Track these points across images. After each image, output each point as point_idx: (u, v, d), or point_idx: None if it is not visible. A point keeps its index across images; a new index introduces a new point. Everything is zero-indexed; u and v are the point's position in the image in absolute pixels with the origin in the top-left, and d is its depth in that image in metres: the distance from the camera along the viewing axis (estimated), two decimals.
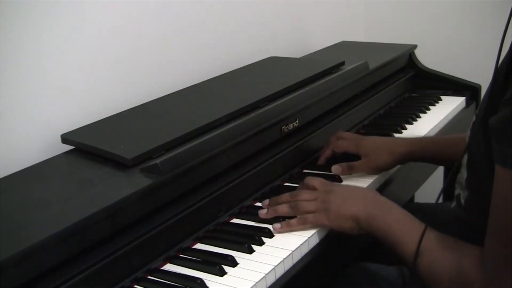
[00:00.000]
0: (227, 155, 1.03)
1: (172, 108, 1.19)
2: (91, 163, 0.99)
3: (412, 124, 1.47)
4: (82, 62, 1.17)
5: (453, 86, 1.69)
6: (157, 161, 0.91)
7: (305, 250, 0.94)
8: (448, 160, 1.16)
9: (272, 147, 1.14)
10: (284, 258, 0.89)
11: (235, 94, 1.26)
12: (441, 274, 0.83)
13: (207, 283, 0.84)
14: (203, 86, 1.32)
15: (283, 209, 1.00)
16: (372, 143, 1.19)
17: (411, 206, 1.39)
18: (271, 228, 0.97)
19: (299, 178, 1.18)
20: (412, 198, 1.80)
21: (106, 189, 0.89)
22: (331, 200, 0.97)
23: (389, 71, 1.63)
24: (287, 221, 0.97)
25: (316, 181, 1.02)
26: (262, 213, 1.01)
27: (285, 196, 1.02)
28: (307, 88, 1.26)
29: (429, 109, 1.57)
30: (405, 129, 1.43)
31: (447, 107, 1.58)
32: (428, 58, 1.77)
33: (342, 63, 1.44)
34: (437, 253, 0.85)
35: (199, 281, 0.84)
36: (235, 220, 1.03)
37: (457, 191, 0.94)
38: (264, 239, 0.95)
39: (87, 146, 1.02)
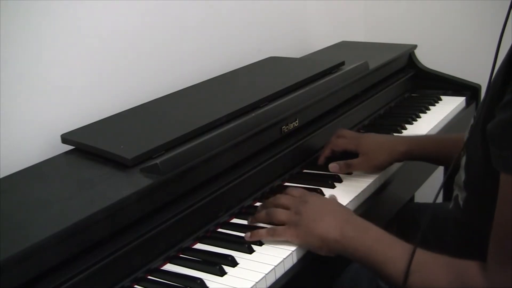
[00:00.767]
0: (227, 155, 1.03)
1: (172, 108, 1.19)
2: (91, 163, 0.99)
3: (412, 124, 1.47)
4: (82, 62, 1.17)
5: (453, 86, 1.69)
6: (157, 161, 0.91)
7: (305, 250, 0.93)
8: (448, 160, 1.15)
9: (272, 147, 1.14)
10: (284, 258, 0.89)
11: (235, 94, 1.26)
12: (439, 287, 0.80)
13: (207, 283, 0.84)
14: (203, 86, 1.32)
15: (260, 215, 0.98)
16: (372, 141, 1.18)
17: (411, 206, 1.39)
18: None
19: (299, 178, 1.18)
20: (412, 198, 1.80)
21: (106, 189, 0.89)
22: (303, 213, 0.92)
23: (389, 71, 1.63)
24: (257, 230, 0.94)
25: (296, 190, 1.00)
26: (248, 221, 0.99)
27: (269, 200, 1.01)
28: (307, 88, 1.26)
29: (429, 109, 1.57)
30: (405, 129, 1.43)
31: (447, 107, 1.58)
32: (428, 58, 1.77)
33: (342, 63, 1.44)
34: (430, 269, 0.81)
35: (199, 281, 0.84)
36: (235, 220, 1.03)
37: (455, 192, 0.93)
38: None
39: (87, 146, 1.02)
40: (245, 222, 1.02)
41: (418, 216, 1.34)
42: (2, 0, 1.00)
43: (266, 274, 0.86)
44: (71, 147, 1.05)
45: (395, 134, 1.38)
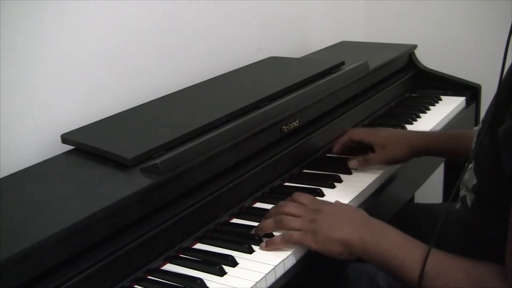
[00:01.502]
0: (227, 155, 1.03)
1: (172, 108, 1.19)
2: (91, 163, 0.99)
3: (412, 124, 1.46)
4: (82, 62, 1.17)
5: (453, 86, 1.69)
6: (157, 161, 0.91)
7: (305, 250, 0.93)
8: (464, 155, 1.13)
9: (272, 147, 1.14)
10: (284, 258, 0.89)
11: (235, 94, 1.26)
12: None
13: (207, 283, 0.84)
14: (203, 86, 1.32)
15: (268, 224, 0.94)
16: (389, 135, 1.18)
17: (411, 206, 1.39)
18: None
19: (299, 178, 1.18)
20: (412, 198, 1.80)
21: (106, 189, 0.89)
22: (319, 221, 0.90)
23: (389, 71, 1.63)
24: (272, 239, 0.92)
25: (303, 197, 0.98)
26: (252, 232, 0.96)
27: (273, 208, 0.98)
28: (307, 88, 1.26)
29: (429, 109, 1.57)
30: (405, 129, 1.43)
31: (447, 107, 1.58)
32: (428, 58, 1.77)
33: (342, 63, 1.44)
34: (451, 274, 0.79)
35: (199, 281, 0.84)
36: (235, 220, 1.03)
37: (462, 193, 0.93)
38: (265, 239, 0.94)
39: (87, 146, 1.02)
40: (245, 222, 1.02)
41: (418, 216, 1.34)
42: (2, 0, 1.00)
43: (266, 274, 0.86)
44: (71, 147, 1.05)
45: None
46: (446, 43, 2.00)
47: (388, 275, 0.87)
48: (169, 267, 0.91)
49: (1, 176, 0.96)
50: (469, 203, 0.88)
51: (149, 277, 0.88)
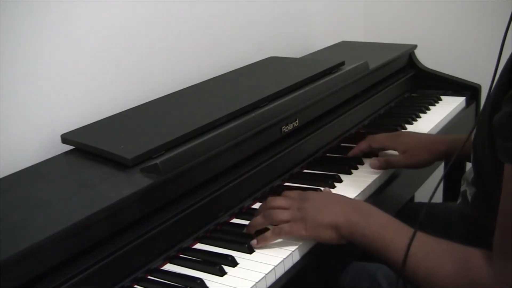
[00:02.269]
0: (227, 155, 1.03)
1: (172, 108, 1.19)
2: (91, 163, 0.99)
3: (412, 124, 1.47)
4: (82, 62, 1.17)
5: (453, 86, 1.69)
6: (157, 161, 0.91)
7: (305, 250, 0.94)
8: None
9: (272, 147, 1.14)
10: (284, 258, 0.89)
11: (235, 94, 1.26)
12: (444, 277, 0.79)
13: (207, 283, 0.84)
14: (203, 86, 1.32)
15: (258, 220, 0.94)
16: (411, 140, 1.18)
17: (411, 206, 1.39)
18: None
19: (299, 178, 1.18)
20: (412, 198, 1.80)
21: (106, 189, 0.89)
22: (307, 208, 0.91)
23: (389, 71, 1.63)
24: (262, 235, 0.92)
25: (292, 192, 0.99)
26: (245, 231, 0.96)
27: (261, 205, 0.98)
28: (307, 88, 1.26)
29: (429, 109, 1.57)
30: (405, 129, 1.43)
31: (447, 107, 1.58)
32: (428, 58, 1.77)
33: (342, 63, 1.44)
34: (437, 256, 0.80)
35: (199, 281, 0.84)
36: (235, 220, 1.03)
37: (463, 188, 0.93)
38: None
39: (87, 146, 1.02)
40: (245, 222, 1.01)
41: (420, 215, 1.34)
42: (1, 0, 1.00)
43: (266, 274, 0.86)
44: (71, 147, 1.05)
45: None
46: (446, 43, 2.00)
47: (374, 256, 0.87)
48: (169, 267, 0.91)
49: (1, 176, 0.96)
50: (469, 197, 0.89)
51: (149, 277, 0.88)
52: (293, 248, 0.92)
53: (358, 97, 1.46)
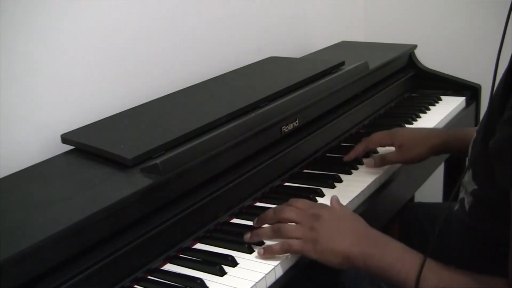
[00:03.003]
0: (227, 155, 1.03)
1: (172, 108, 1.19)
2: (91, 163, 0.99)
3: (412, 124, 1.47)
4: (82, 62, 1.17)
5: (453, 86, 1.69)
6: (157, 161, 0.91)
7: None
8: None
9: (272, 147, 1.14)
10: (284, 258, 0.89)
11: (235, 94, 1.26)
12: None
13: (207, 283, 0.84)
14: (203, 86, 1.32)
15: (266, 232, 0.92)
16: (407, 134, 1.18)
17: (411, 206, 1.39)
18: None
19: (299, 178, 1.18)
20: (412, 198, 1.80)
21: (106, 189, 0.89)
22: (319, 230, 0.87)
23: (389, 71, 1.63)
24: (270, 246, 0.90)
25: (300, 202, 0.94)
26: (246, 237, 0.93)
27: (269, 212, 0.94)
28: (307, 88, 1.26)
29: (429, 109, 1.57)
30: None
31: (447, 107, 1.58)
32: (428, 58, 1.77)
33: (342, 63, 1.44)
34: None
35: (199, 281, 0.84)
36: (235, 220, 1.03)
37: (461, 195, 0.92)
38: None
39: (87, 146, 1.02)
40: (245, 222, 1.02)
41: (420, 215, 1.33)
42: (2, 0, 1.00)
43: (266, 274, 0.86)
44: (71, 147, 1.05)
45: None
46: (446, 43, 2.00)
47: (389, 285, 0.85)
48: (169, 267, 0.91)
49: (1, 176, 0.96)
50: (467, 206, 0.88)
51: (149, 277, 0.88)
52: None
53: (358, 97, 1.46)
